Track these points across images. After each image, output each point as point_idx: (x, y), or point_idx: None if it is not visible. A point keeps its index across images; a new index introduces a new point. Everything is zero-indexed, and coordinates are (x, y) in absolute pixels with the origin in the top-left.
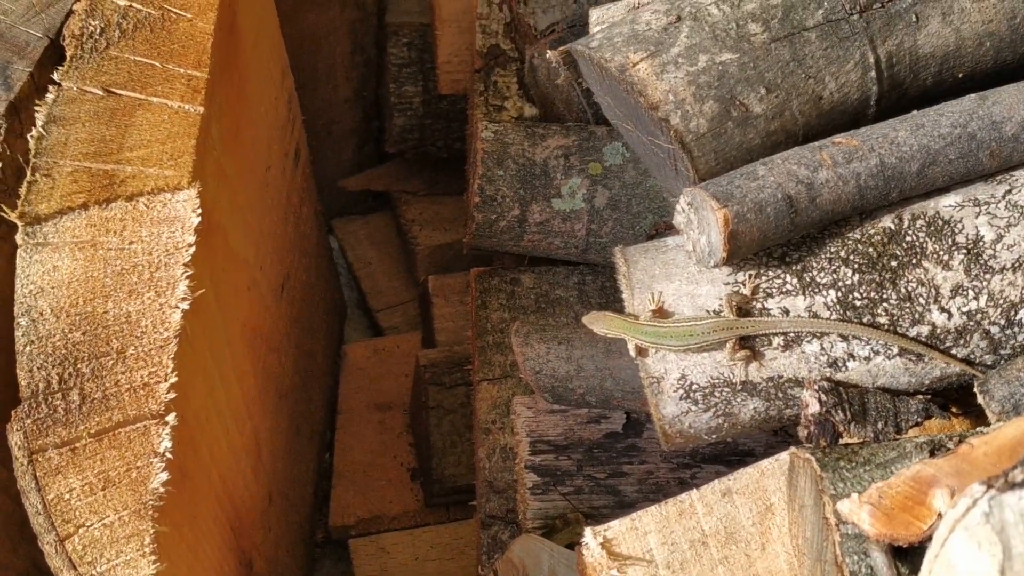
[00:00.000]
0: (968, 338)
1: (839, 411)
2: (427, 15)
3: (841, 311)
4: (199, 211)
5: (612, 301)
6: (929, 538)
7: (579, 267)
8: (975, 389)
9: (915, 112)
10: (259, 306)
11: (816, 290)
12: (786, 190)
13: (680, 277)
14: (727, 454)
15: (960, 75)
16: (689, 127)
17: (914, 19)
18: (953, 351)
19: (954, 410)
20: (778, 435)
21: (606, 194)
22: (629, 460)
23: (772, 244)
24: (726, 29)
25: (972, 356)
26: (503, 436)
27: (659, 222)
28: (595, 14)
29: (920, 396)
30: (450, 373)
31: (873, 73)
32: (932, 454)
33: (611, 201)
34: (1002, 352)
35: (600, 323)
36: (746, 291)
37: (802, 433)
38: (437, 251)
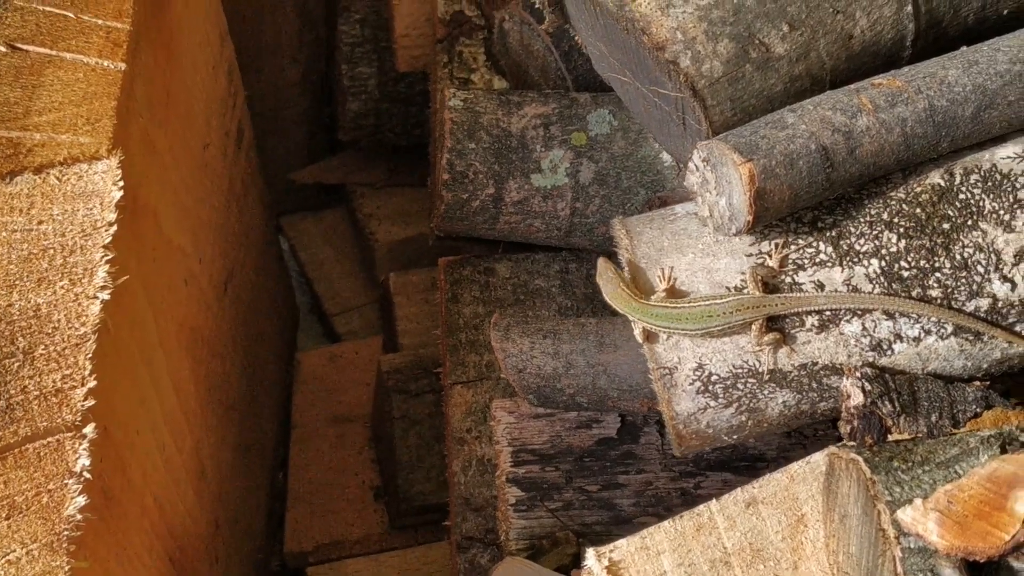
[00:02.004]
0: None
1: (886, 402)
2: None
3: (886, 283)
4: (121, 185)
5: (599, 291)
6: (1013, 550)
7: (561, 253)
8: None
9: (965, 48)
10: (199, 304)
11: (855, 260)
12: (820, 140)
13: (694, 249)
14: (734, 460)
15: (1005, 11)
16: (701, 70)
17: None
18: (1018, 327)
19: (1014, 399)
20: (792, 436)
21: (592, 167)
22: (625, 469)
23: (804, 206)
24: None
25: None
26: (480, 446)
27: (653, 197)
28: None
29: (977, 383)
30: (416, 379)
31: (909, 8)
32: (1003, 449)
33: (598, 175)
34: None
35: (608, 284)
36: (773, 263)
37: (844, 429)
38: (398, 247)
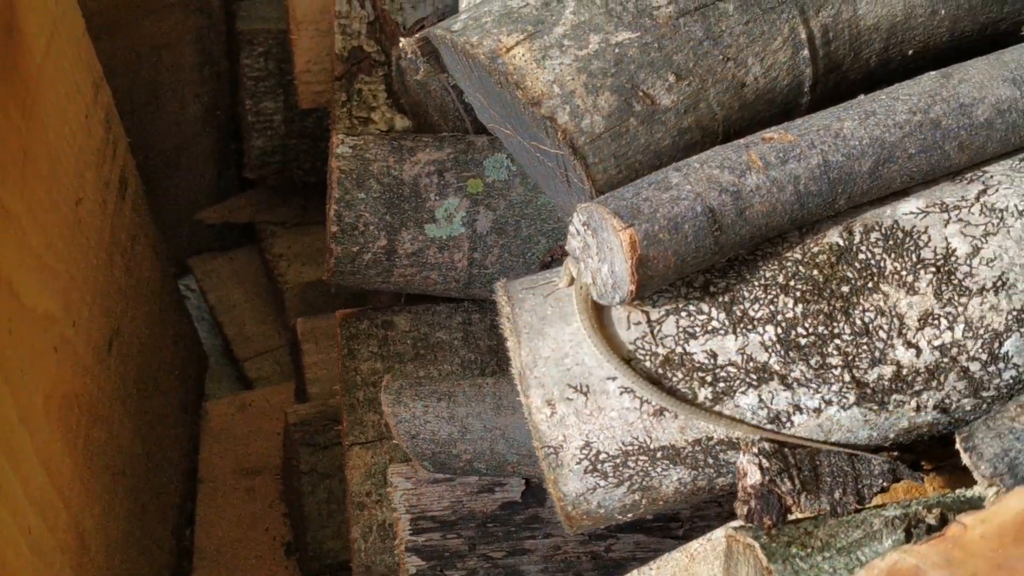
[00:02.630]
0: (942, 379)
1: (785, 479)
2: (285, 20)
3: (782, 351)
4: None
5: (504, 342)
6: None
7: (463, 304)
8: (958, 446)
9: (863, 97)
10: (74, 370)
11: (750, 327)
12: (707, 201)
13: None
14: (647, 520)
15: (910, 52)
16: (581, 126)
17: None
18: (924, 395)
19: (925, 465)
20: None
21: (490, 216)
22: (531, 534)
23: (693, 271)
24: (622, 2)
25: (948, 401)
26: (381, 510)
27: (555, 247)
28: (465, 0)
29: (884, 454)
30: (324, 432)
31: (806, 52)
32: (908, 533)
33: (496, 224)
34: (984, 394)
35: None
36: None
37: (741, 510)
38: (309, 289)
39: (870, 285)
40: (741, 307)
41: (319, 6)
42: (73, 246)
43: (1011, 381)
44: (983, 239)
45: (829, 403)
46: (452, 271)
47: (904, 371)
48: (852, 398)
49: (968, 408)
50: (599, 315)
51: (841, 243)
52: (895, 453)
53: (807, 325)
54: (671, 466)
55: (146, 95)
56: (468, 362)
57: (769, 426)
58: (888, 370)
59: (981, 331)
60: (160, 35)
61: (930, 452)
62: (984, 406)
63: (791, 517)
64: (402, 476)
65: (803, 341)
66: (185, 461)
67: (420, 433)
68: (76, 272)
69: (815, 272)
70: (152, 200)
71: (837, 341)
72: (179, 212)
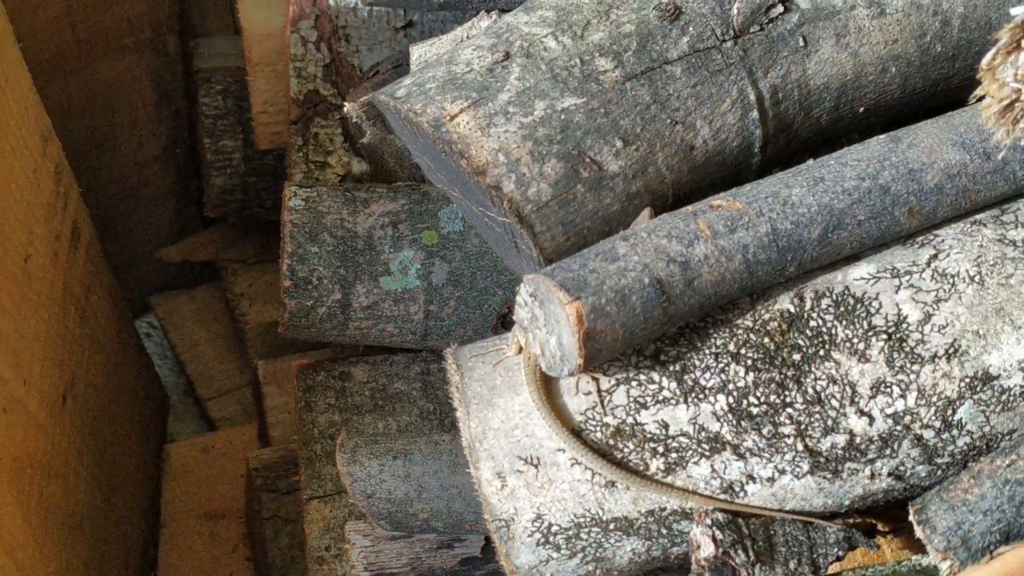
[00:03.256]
0: (896, 447)
1: (739, 551)
2: (243, 58)
3: (734, 421)
4: None
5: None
6: None
7: (421, 354)
8: (911, 518)
9: (811, 162)
10: (25, 430)
11: (701, 396)
12: (655, 272)
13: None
14: None
15: (861, 109)
16: (527, 194)
17: (801, 43)
18: (878, 463)
19: (881, 527)
20: None
21: (445, 268)
22: None
23: (642, 342)
24: (568, 67)
25: (902, 468)
26: (340, 564)
27: (511, 299)
28: (416, 51)
29: (839, 521)
30: (287, 477)
31: (755, 113)
32: None
33: (451, 276)
34: (938, 461)
35: None
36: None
37: None
38: (271, 329)
39: (821, 353)
40: (692, 376)
41: (275, 47)
42: (23, 304)
43: (965, 448)
44: (935, 305)
45: (783, 472)
46: (408, 323)
47: (857, 439)
48: (806, 467)
49: (923, 475)
50: (548, 385)
51: (792, 310)
52: (851, 520)
53: (759, 394)
54: (624, 537)
55: (103, 135)
56: (427, 413)
57: (722, 496)
58: (841, 439)
59: (934, 399)
60: (115, 76)
61: (888, 514)
62: (939, 472)
63: None
64: (360, 533)
65: (755, 410)
66: (147, 505)
67: (376, 492)
68: (26, 330)
69: (766, 340)
70: (112, 239)
71: (789, 410)
72: (140, 250)
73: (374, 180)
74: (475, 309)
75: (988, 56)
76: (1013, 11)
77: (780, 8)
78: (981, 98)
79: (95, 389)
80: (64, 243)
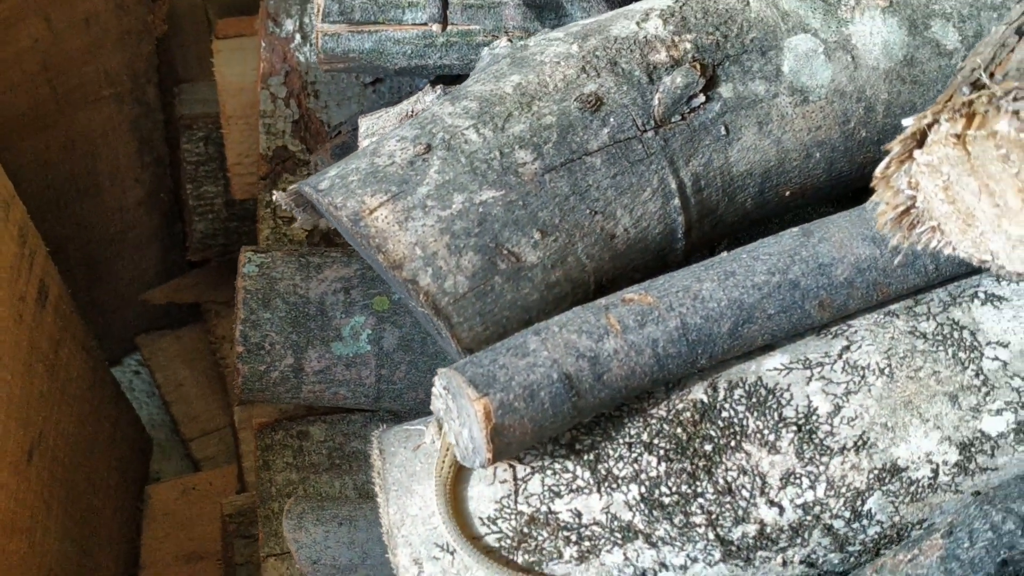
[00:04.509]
0: (806, 536)
1: None
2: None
3: (646, 510)
4: None
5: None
6: None
7: (379, 413)
8: None
9: (724, 255)
10: None
11: (614, 486)
12: (564, 368)
13: None
14: None
15: (787, 193)
16: (444, 287)
17: (723, 132)
18: (789, 551)
19: None
20: None
21: (396, 333)
22: None
23: (552, 435)
24: (487, 159)
25: (814, 556)
26: None
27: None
28: (364, 124)
29: None
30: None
31: (677, 201)
32: None
33: (402, 341)
34: (850, 548)
35: None
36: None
37: None
38: None
39: (733, 444)
40: (606, 465)
41: (249, 101)
42: None
43: (876, 537)
44: (844, 397)
45: (695, 560)
46: (360, 387)
47: (768, 529)
48: (718, 555)
49: (835, 562)
50: (463, 472)
51: (705, 400)
52: None
53: (671, 484)
54: None
55: (86, 183)
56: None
57: None
58: (752, 528)
59: (843, 490)
60: (95, 126)
61: None
62: (852, 559)
63: None
64: None
65: (666, 500)
66: (126, 548)
67: (321, 558)
68: None
69: (679, 430)
70: (99, 282)
71: (700, 500)
72: (126, 292)
73: (341, 236)
74: (426, 373)
75: (882, 165)
76: (904, 122)
77: (702, 98)
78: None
79: (66, 440)
80: (30, 303)
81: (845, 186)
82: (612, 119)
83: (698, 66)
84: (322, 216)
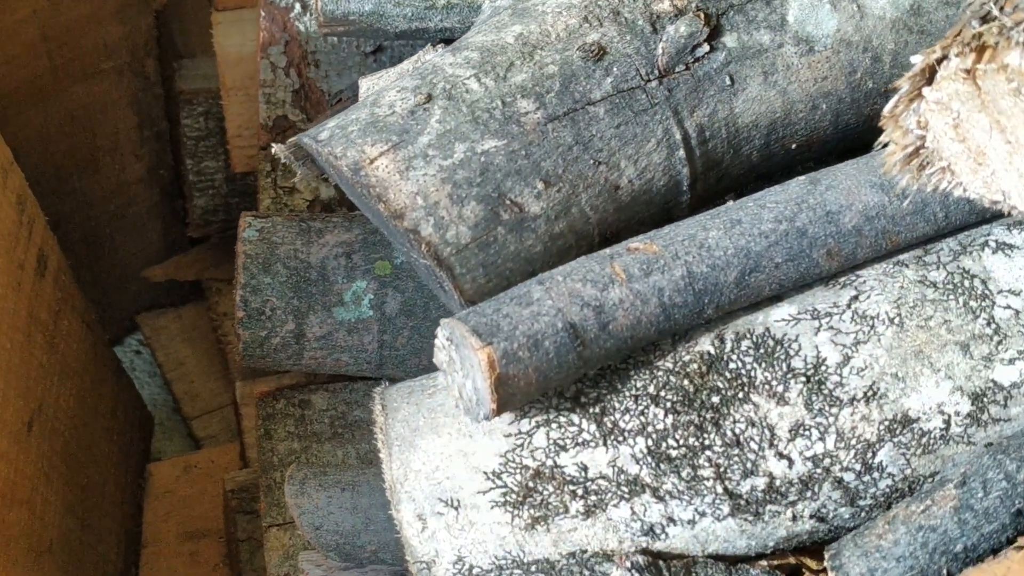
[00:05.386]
0: (816, 489)
1: None
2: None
3: (653, 464)
4: None
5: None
6: None
7: (381, 381)
8: (826, 563)
9: (731, 204)
10: None
11: (620, 439)
12: (568, 316)
13: (450, 429)
14: None
15: (793, 145)
16: (446, 237)
17: (728, 82)
18: (799, 505)
19: (813, 565)
20: None
21: (398, 298)
22: None
23: (558, 386)
24: (489, 109)
25: (824, 510)
26: None
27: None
28: (365, 84)
29: (764, 562)
30: None
31: (682, 152)
32: None
33: (404, 306)
34: (861, 503)
35: None
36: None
37: None
38: None
39: (740, 395)
40: (612, 418)
41: (249, 72)
42: None
43: (888, 490)
44: (853, 348)
45: (703, 515)
46: (363, 353)
47: (777, 482)
48: (726, 509)
49: (846, 516)
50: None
51: (712, 351)
52: (775, 562)
53: (677, 436)
54: None
55: (85, 158)
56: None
57: (643, 538)
58: (761, 481)
59: (853, 441)
60: (94, 100)
61: (818, 553)
62: (863, 513)
63: None
64: (313, 563)
65: (674, 453)
66: (128, 526)
67: (324, 524)
68: None
69: (686, 382)
70: (99, 259)
71: (708, 453)
72: (127, 269)
73: (343, 205)
74: (429, 339)
75: (890, 104)
76: (913, 59)
77: (706, 47)
78: (886, 144)
79: (66, 415)
80: (29, 272)
81: (853, 138)
82: (615, 68)
83: (702, 15)
84: (322, 170)
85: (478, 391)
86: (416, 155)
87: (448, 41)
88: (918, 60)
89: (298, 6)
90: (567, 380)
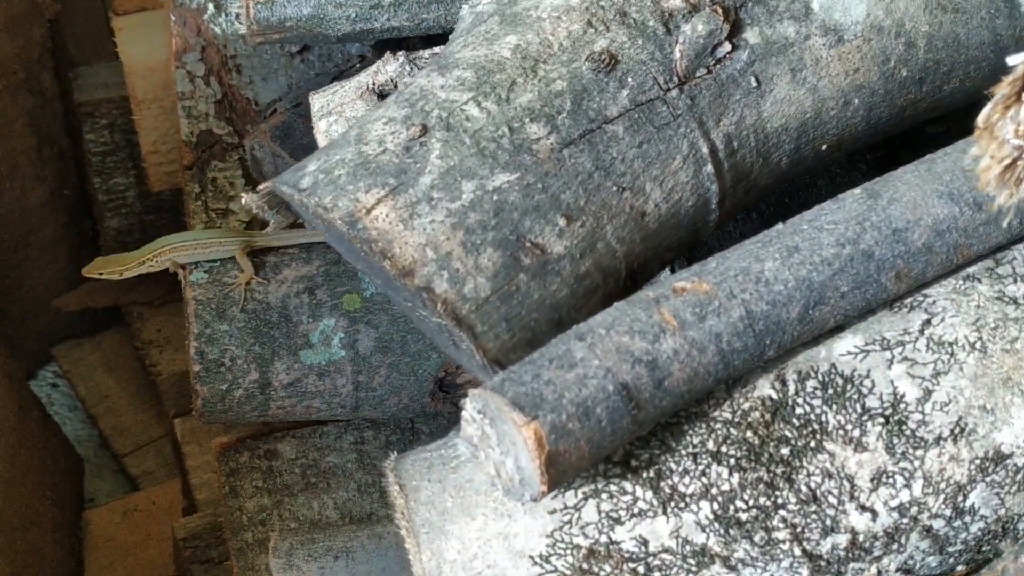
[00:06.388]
0: (903, 541)
1: None
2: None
3: (722, 530)
4: None
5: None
6: None
7: (354, 422)
8: None
9: (781, 226)
10: None
11: (682, 505)
12: (619, 377)
13: (484, 509)
14: None
15: (824, 147)
16: (463, 292)
17: (754, 83)
18: (884, 560)
19: None
20: None
21: (371, 334)
22: None
23: (610, 453)
24: (495, 138)
25: (911, 561)
26: None
27: (448, 363)
28: (318, 102)
29: None
30: (218, 544)
31: (710, 167)
32: None
33: (379, 343)
34: (950, 549)
35: None
36: None
37: None
38: (186, 378)
39: (812, 444)
40: (669, 482)
41: (161, 82)
42: None
43: (980, 533)
44: (933, 380)
45: None
46: (336, 397)
47: (860, 538)
48: (805, 573)
49: (933, 565)
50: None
51: (775, 396)
52: None
53: (746, 497)
54: None
55: None
56: (365, 486)
57: None
58: (843, 539)
59: (942, 485)
60: None
61: None
62: (951, 560)
63: None
64: None
65: (744, 516)
66: None
67: None
68: None
69: (749, 434)
70: (4, 291)
71: (782, 512)
72: (36, 300)
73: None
74: (408, 375)
75: (985, 111)
76: (1011, 60)
77: (727, 46)
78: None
79: None
80: None
81: (884, 132)
82: (631, 79)
83: (719, 9)
84: (298, 216)
85: (523, 470)
86: (419, 199)
87: (398, 42)
88: (1018, 60)
89: (211, 7)
90: (619, 446)
